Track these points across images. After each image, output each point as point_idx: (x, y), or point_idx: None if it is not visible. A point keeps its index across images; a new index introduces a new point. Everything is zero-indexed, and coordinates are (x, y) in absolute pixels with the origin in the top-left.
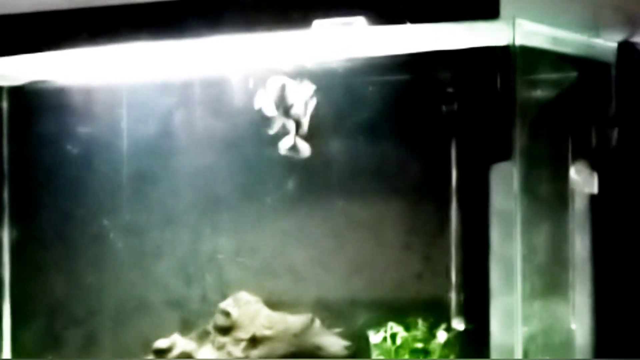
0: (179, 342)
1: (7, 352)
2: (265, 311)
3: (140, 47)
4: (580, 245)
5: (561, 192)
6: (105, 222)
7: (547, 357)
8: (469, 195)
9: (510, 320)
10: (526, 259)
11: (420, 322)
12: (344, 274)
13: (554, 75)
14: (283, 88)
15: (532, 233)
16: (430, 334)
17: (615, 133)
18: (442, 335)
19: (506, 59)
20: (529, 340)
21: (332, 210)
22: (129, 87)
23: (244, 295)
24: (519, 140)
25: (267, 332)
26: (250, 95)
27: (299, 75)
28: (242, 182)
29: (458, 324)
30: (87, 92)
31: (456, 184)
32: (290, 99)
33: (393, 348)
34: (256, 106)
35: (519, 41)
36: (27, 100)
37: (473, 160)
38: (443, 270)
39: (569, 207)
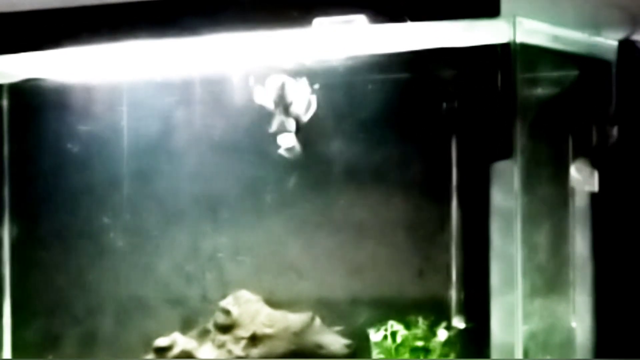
0: (180, 341)
1: (7, 350)
2: (266, 310)
3: (140, 45)
4: (580, 243)
5: (562, 190)
6: (106, 220)
7: (548, 356)
8: (469, 193)
9: (510, 318)
10: (526, 257)
11: (420, 320)
12: (344, 272)
13: (554, 74)
14: (282, 86)
15: (532, 231)
16: (431, 333)
17: (615, 131)
18: (442, 334)
19: (507, 57)
20: (530, 339)
21: (332, 209)
22: (128, 85)
23: (244, 294)
24: (520, 138)
25: (268, 331)
26: (250, 94)
27: (300, 73)
28: (243, 180)
29: (458, 323)
30: (87, 91)
31: (457, 182)
32: (289, 97)
33: (393, 346)
34: (256, 104)
35: (520, 39)
36: (28, 99)
37: (473, 159)
38: (443, 269)
39: (570, 205)
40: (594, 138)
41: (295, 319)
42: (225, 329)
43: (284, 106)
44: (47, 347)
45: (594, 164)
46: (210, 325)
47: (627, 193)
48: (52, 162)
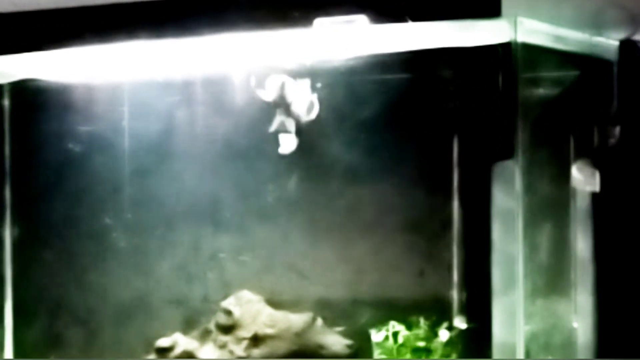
0: (181, 341)
1: (9, 350)
2: (267, 310)
3: (142, 45)
4: (582, 243)
5: (563, 191)
6: (107, 220)
7: (549, 356)
8: (471, 193)
9: (512, 319)
10: (528, 257)
11: (422, 320)
12: (346, 272)
13: (555, 74)
14: (282, 86)
15: (534, 231)
16: (432, 333)
17: (617, 131)
18: (444, 334)
19: (508, 57)
20: (531, 339)
21: (333, 208)
22: (130, 85)
23: (245, 294)
24: (521, 138)
25: (269, 331)
26: (251, 94)
27: (301, 73)
28: (244, 180)
29: (460, 323)
30: (89, 91)
31: (458, 182)
32: (289, 98)
33: (395, 347)
34: (257, 104)
35: (521, 39)
36: (29, 98)
37: (475, 159)
38: (445, 269)
39: (571, 205)
40: (596, 138)
41: (296, 320)
42: (227, 329)
43: (284, 106)
44: (48, 347)
45: (596, 164)
46: (211, 326)
47: (628, 193)
48: (53, 162)
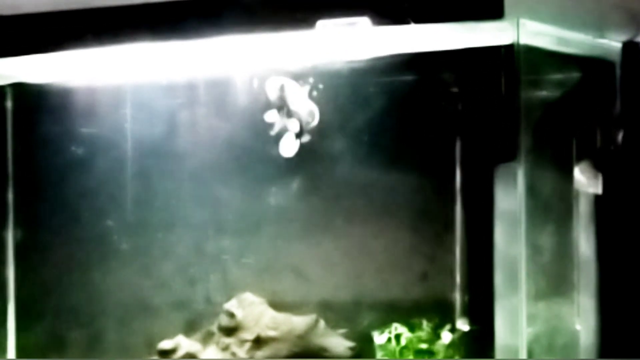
0: (183, 343)
1: (11, 353)
2: (270, 312)
3: (144, 47)
4: (584, 245)
5: (566, 193)
6: (110, 222)
7: (552, 359)
8: (473, 195)
9: (514, 321)
10: (531, 259)
11: (424, 322)
12: (349, 274)
13: (558, 75)
14: (284, 88)
15: (536, 234)
16: (435, 335)
17: (619, 133)
18: (446, 336)
19: (510, 59)
20: (534, 341)
21: (335, 211)
22: (132, 87)
23: (248, 296)
24: (524, 140)
25: (272, 333)
26: (254, 96)
27: (303, 75)
28: (247, 182)
29: (463, 325)
30: (91, 93)
31: (461, 184)
32: (291, 100)
33: (397, 349)
34: (260, 106)
35: (523, 41)
36: (31, 100)
37: (477, 161)
38: (447, 271)
39: (574, 207)
40: (598, 140)
41: (299, 322)
42: (229, 331)
43: (286, 108)
44: (51, 349)
45: (598, 166)
46: (214, 328)
47: (631, 195)
48: (56, 164)
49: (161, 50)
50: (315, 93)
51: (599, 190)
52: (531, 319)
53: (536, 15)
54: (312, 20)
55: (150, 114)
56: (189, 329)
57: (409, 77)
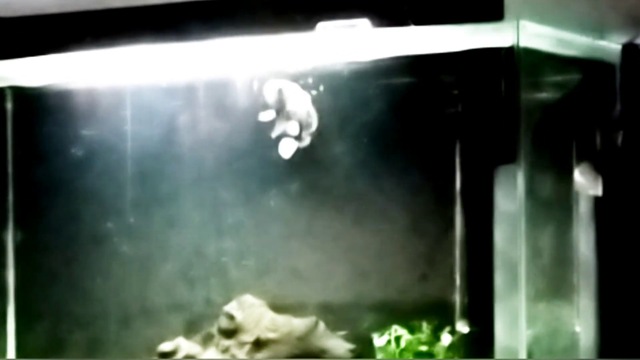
0: (183, 345)
1: (11, 355)
2: (270, 314)
3: (143, 50)
4: (584, 247)
5: (565, 194)
6: (110, 225)
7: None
8: (473, 197)
9: (514, 322)
10: (530, 261)
11: (424, 324)
12: (348, 276)
13: (558, 77)
14: (282, 92)
15: (536, 235)
16: (435, 337)
17: (619, 135)
18: (446, 338)
19: (510, 61)
20: (533, 343)
21: (336, 213)
22: (132, 89)
23: (248, 298)
24: (523, 142)
25: (272, 335)
26: (254, 98)
27: (303, 77)
28: (246, 184)
29: (462, 327)
30: (91, 95)
31: (461, 186)
32: (290, 102)
33: (397, 351)
34: (259, 108)
35: (523, 43)
36: (32, 103)
37: (477, 163)
38: (447, 273)
39: (574, 209)
40: (598, 142)
41: (299, 324)
42: (229, 333)
43: (285, 110)
44: (51, 351)
45: (598, 168)
46: (214, 330)
47: (631, 197)
48: (55, 166)
49: (161, 52)
50: (315, 94)
51: (598, 192)
52: (531, 320)
53: (536, 17)
54: (313, 22)
55: (150, 116)
56: (189, 331)
57: (409, 79)
